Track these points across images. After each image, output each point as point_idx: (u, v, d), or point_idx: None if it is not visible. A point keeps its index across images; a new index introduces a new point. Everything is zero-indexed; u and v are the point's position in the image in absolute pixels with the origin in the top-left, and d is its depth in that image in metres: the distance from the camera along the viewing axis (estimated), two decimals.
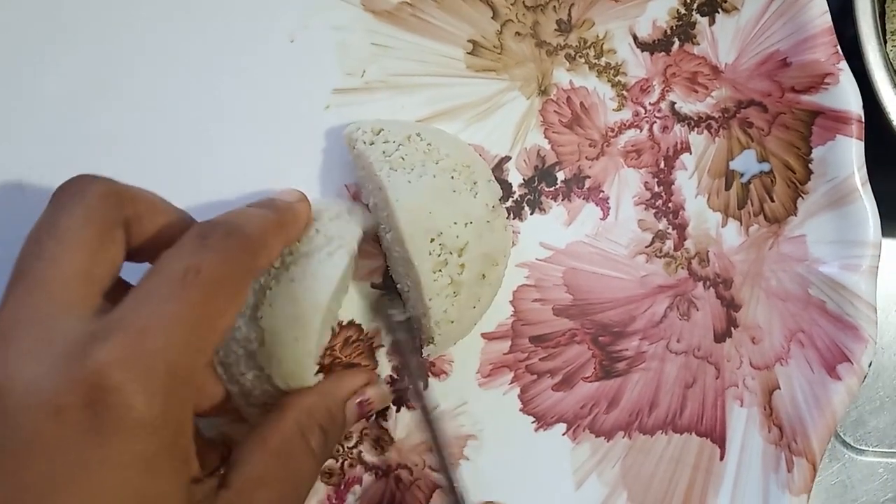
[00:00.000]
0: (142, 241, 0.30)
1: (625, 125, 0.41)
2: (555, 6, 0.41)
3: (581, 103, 0.41)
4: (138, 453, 0.24)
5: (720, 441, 0.41)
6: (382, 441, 0.40)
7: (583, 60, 0.41)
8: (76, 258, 0.27)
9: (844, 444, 0.49)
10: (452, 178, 0.37)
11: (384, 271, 0.39)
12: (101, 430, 0.24)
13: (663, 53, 0.41)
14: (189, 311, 0.26)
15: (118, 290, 0.27)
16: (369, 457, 0.40)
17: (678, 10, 0.41)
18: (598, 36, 0.41)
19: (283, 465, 0.31)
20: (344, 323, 0.39)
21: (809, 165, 0.40)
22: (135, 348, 0.25)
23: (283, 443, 0.31)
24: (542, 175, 0.41)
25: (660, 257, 0.42)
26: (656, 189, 0.42)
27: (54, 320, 0.25)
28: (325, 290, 0.34)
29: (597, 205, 0.41)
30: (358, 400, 0.36)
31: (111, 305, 0.26)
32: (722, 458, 0.40)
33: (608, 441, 0.41)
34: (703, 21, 0.41)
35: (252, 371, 0.34)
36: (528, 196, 0.41)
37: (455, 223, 0.36)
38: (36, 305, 0.25)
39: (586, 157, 0.41)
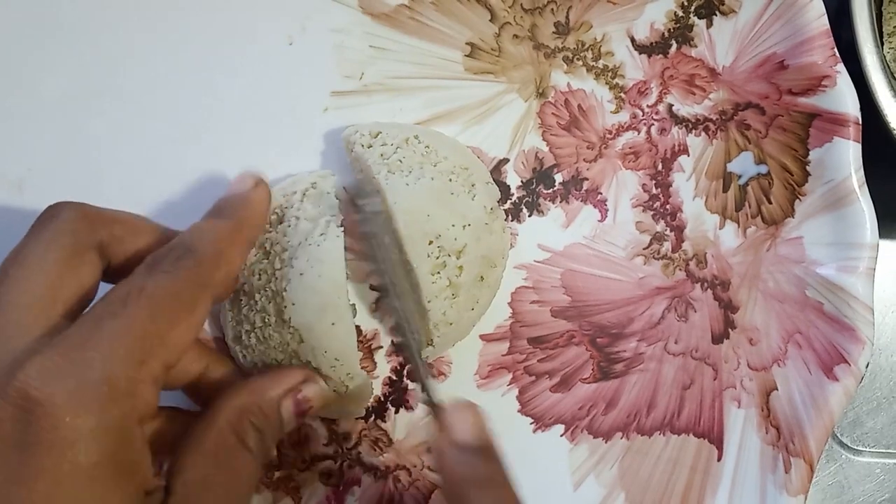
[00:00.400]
0: (122, 261, 0.30)
1: (623, 127, 0.42)
2: (553, 9, 0.41)
3: (579, 106, 0.41)
4: (74, 465, 0.24)
5: (718, 442, 0.41)
6: (381, 442, 0.40)
7: (580, 63, 0.41)
8: (38, 281, 0.27)
9: (842, 444, 0.49)
10: (451, 180, 0.37)
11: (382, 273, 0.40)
12: (32, 443, 0.24)
13: (661, 56, 0.42)
14: (130, 326, 0.26)
15: None
16: (368, 458, 0.40)
17: (676, 12, 0.41)
18: (595, 38, 0.41)
19: (221, 466, 0.30)
20: None
21: (807, 167, 0.40)
22: (66, 361, 0.25)
23: (217, 444, 0.31)
24: (540, 177, 0.41)
25: (658, 259, 0.42)
26: (654, 191, 0.42)
27: (7, 342, 0.26)
28: (338, 268, 0.34)
29: (595, 207, 0.42)
30: (294, 398, 0.34)
31: None
32: (719, 458, 0.41)
33: (606, 442, 0.41)
34: (700, 23, 0.41)
35: None
36: (527, 198, 0.41)
37: (453, 225, 0.36)
38: None
39: (584, 160, 0.41)
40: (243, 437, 0.31)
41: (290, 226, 0.35)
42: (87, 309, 0.28)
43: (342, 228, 0.35)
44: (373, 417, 0.40)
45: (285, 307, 0.34)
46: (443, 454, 0.31)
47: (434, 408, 0.33)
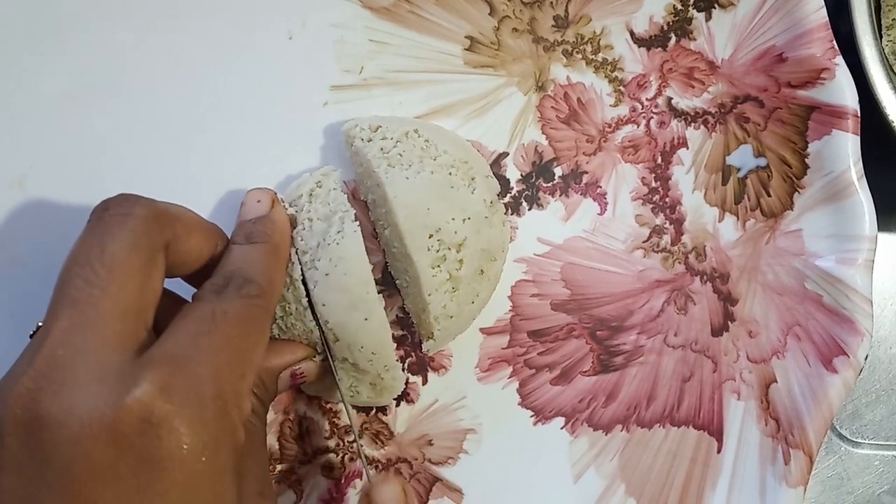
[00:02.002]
0: (178, 259, 0.30)
1: (622, 121, 0.42)
2: (552, 2, 0.41)
3: (578, 99, 0.41)
4: (199, 477, 0.25)
5: (717, 434, 0.41)
6: (382, 435, 0.40)
7: (580, 56, 0.41)
8: (127, 290, 0.27)
9: (841, 436, 0.49)
10: (450, 174, 0.37)
11: (383, 267, 0.40)
12: (158, 458, 0.24)
13: (660, 49, 0.42)
14: (227, 343, 0.27)
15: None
16: (369, 451, 0.40)
17: (675, 5, 0.41)
18: (594, 32, 0.41)
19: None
20: None
21: (806, 160, 0.40)
22: (180, 378, 0.25)
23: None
24: (539, 171, 0.41)
25: (657, 252, 0.42)
26: (653, 184, 0.42)
27: (106, 354, 0.25)
28: (361, 263, 0.35)
29: (594, 200, 0.42)
30: (292, 371, 0.36)
31: (155, 336, 0.27)
32: (719, 450, 0.41)
33: (606, 434, 0.41)
34: (699, 16, 0.41)
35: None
36: (526, 192, 0.41)
37: (453, 219, 0.36)
38: (89, 338, 0.26)
39: (584, 153, 0.42)
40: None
41: (304, 228, 0.36)
42: (171, 324, 0.28)
43: (357, 223, 0.35)
44: (374, 411, 0.40)
45: (315, 309, 0.35)
46: None
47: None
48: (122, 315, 0.26)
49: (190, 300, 0.30)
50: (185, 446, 0.25)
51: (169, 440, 0.24)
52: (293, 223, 0.36)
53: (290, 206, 0.36)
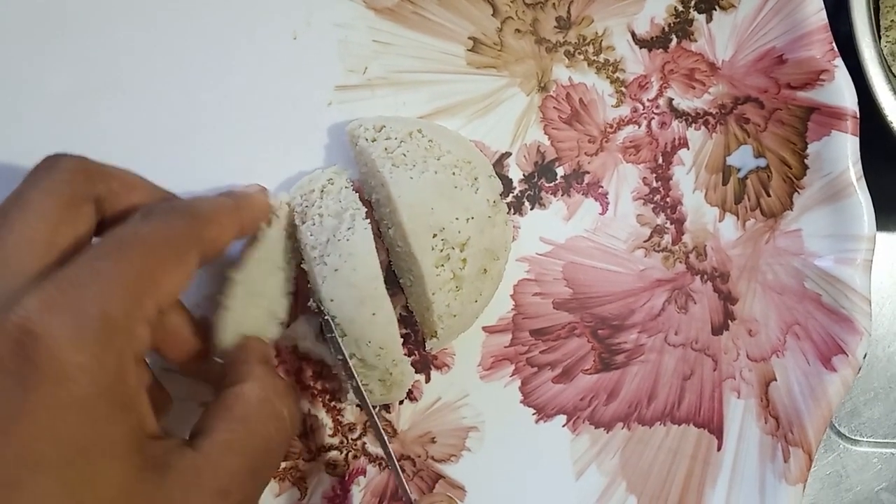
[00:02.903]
0: (116, 216, 0.31)
1: (623, 121, 0.42)
2: (554, 3, 0.41)
3: (580, 100, 0.42)
4: (73, 397, 0.25)
5: (718, 432, 0.41)
6: (386, 433, 0.40)
7: (582, 57, 0.42)
8: (36, 227, 0.28)
9: (839, 434, 0.49)
10: (454, 174, 0.37)
11: (387, 266, 0.40)
12: (32, 376, 0.24)
13: (661, 50, 0.42)
14: (124, 266, 0.27)
15: None
16: (373, 448, 0.41)
17: (676, 7, 0.42)
18: (596, 33, 0.42)
19: (250, 431, 0.30)
20: None
21: (805, 161, 0.40)
22: (64, 297, 0.25)
23: (248, 410, 0.31)
24: (541, 171, 0.42)
25: (658, 251, 0.42)
26: (654, 184, 0.42)
27: (3, 280, 0.26)
28: (371, 260, 0.35)
29: (596, 200, 0.42)
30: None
31: None
32: (719, 448, 0.41)
33: (607, 432, 0.41)
34: (700, 18, 0.42)
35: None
36: (529, 191, 0.42)
37: (457, 219, 0.36)
38: None
39: (585, 153, 0.42)
40: (275, 402, 0.32)
41: (314, 224, 0.36)
42: (87, 247, 0.28)
43: (368, 220, 0.36)
44: (377, 408, 0.40)
45: (322, 304, 0.35)
46: None
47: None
48: (26, 247, 0.27)
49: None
50: (62, 365, 0.24)
51: (45, 357, 0.24)
52: (303, 218, 0.37)
53: (301, 198, 0.37)
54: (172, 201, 0.31)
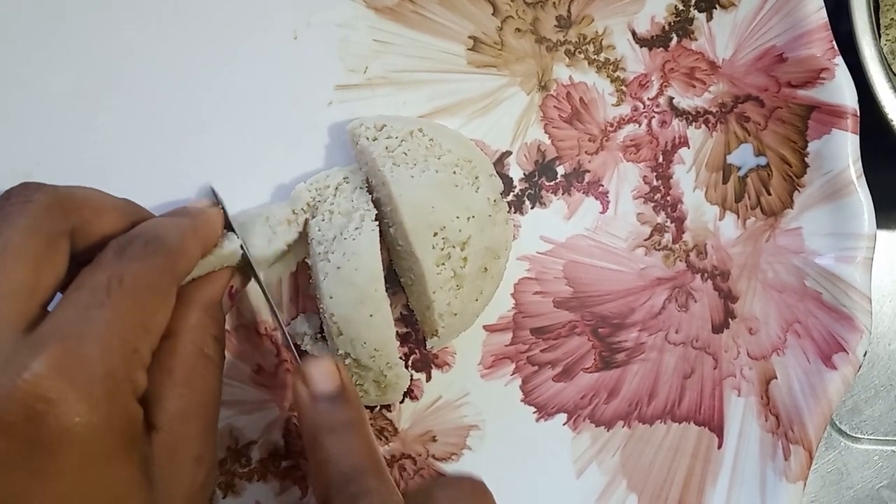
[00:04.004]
0: (88, 245, 0.30)
1: (624, 120, 0.42)
2: (554, 2, 0.41)
3: (581, 98, 0.42)
4: (92, 456, 0.25)
5: (718, 430, 0.41)
6: (386, 432, 0.41)
7: (582, 56, 0.42)
8: (20, 271, 0.27)
9: (840, 432, 0.49)
10: (454, 172, 0.37)
11: (388, 265, 0.40)
12: (48, 442, 0.24)
13: (661, 49, 0.42)
14: (119, 316, 0.27)
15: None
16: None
17: (676, 6, 0.42)
18: (597, 32, 0.42)
19: (196, 390, 0.31)
20: None
21: (805, 159, 0.40)
22: (70, 356, 0.25)
23: (189, 369, 0.31)
24: (542, 169, 0.42)
25: (658, 250, 0.42)
26: (655, 183, 0.42)
27: None
28: (374, 261, 0.35)
29: (596, 199, 0.42)
30: (229, 292, 0.36)
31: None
32: (720, 446, 0.41)
33: (608, 431, 0.42)
34: (700, 17, 0.42)
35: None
36: (529, 190, 0.42)
37: (457, 217, 0.37)
38: None
39: (586, 152, 0.42)
40: (208, 352, 0.32)
41: (323, 219, 0.36)
42: (64, 296, 0.28)
43: (377, 222, 0.36)
44: (378, 407, 0.41)
45: (321, 301, 0.36)
46: (300, 404, 0.34)
47: (297, 363, 0.35)
48: (12, 295, 0.26)
49: None
50: (75, 428, 0.25)
51: (59, 423, 0.24)
52: (313, 213, 0.37)
53: (316, 192, 0.37)
54: (144, 233, 0.30)
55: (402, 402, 0.40)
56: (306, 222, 0.37)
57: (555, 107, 0.42)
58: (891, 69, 0.42)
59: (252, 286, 0.38)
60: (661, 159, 0.42)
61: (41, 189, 0.29)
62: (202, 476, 0.31)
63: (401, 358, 0.38)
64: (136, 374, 0.27)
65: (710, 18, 0.42)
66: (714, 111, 0.42)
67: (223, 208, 0.36)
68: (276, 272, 0.39)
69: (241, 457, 0.40)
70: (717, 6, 0.41)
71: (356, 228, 0.36)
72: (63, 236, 0.29)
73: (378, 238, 0.36)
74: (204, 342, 0.32)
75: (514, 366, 0.41)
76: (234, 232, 0.35)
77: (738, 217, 0.42)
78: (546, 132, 0.42)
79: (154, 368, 0.30)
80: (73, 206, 0.30)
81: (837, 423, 0.49)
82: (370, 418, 0.40)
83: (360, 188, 0.37)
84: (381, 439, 0.41)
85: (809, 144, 0.40)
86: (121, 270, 0.28)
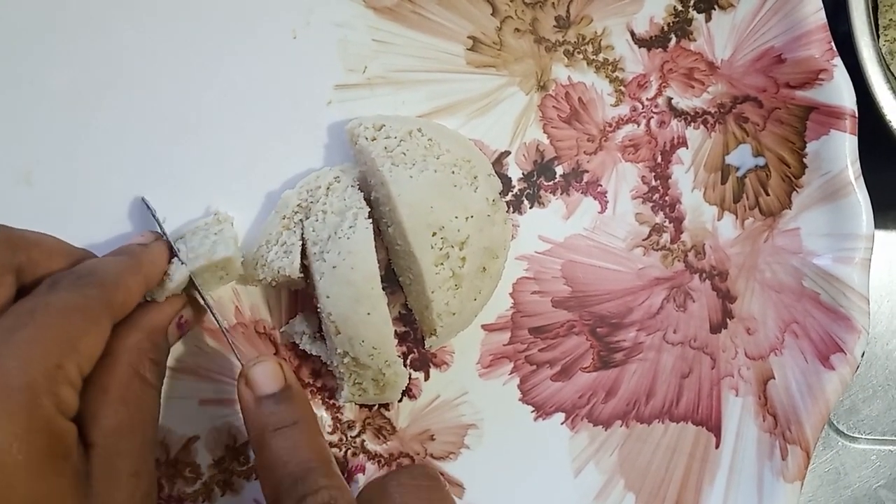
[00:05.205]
0: (34, 283, 0.31)
1: (622, 120, 0.42)
2: (553, 3, 0.41)
3: (579, 99, 0.42)
4: (12, 467, 0.26)
5: (716, 429, 0.41)
6: (385, 430, 0.41)
7: (581, 56, 0.42)
8: None
9: (838, 431, 0.49)
10: (453, 172, 0.37)
11: (386, 264, 0.40)
12: None
13: (660, 49, 0.42)
14: (41, 334, 0.28)
15: None
16: (372, 446, 0.41)
17: (675, 6, 0.42)
18: (596, 32, 0.42)
19: (131, 408, 0.32)
20: None
21: (804, 160, 0.41)
22: None
23: (123, 388, 0.32)
24: (541, 169, 0.42)
25: (657, 250, 0.42)
26: (653, 183, 0.42)
27: None
28: (369, 259, 0.36)
29: (595, 199, 0.42)
30: (177, 322, 0.36)
31: None
32: (717, 446, 0.41)
33: (606, 430, 0.42)
34: (699, 18, 0.42)
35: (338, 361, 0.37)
36: (528, 190, 0.42)
37: (456, 217, 0.37)
38: None
39: (584, 152, 0.42)
40: (144, 374, 0.33)
41: (317, 220, 0.36)
42: None
43: (370, 220, 0.36)
44: (377, 406, 0.41)
45: (318, 300, 0.36)
46: (244, 407, 0.34)
47: (242, 366, 0.35)
48: None
49: None
50: None
51: None
52: (306, 214, 0.37)
53: (307, 193, 0.37)
54: (78, 269, 0.32)
55: (400, 400, 0.41)
56: (300, 223, 0.37)
57: (553, 107, 0.42)
58: (889, 70, 0.42)
59: (251, 290, 0.39)
60: (659, 159, 0.42)
61: None
62: (141, 491, 0.31)
63: (399, 357, 0.38)
64: (61, 388, 0.28)
65: (708, 19, 0.42)
66: (713, 112, 0.42)
67: (158, 223, 0.37)
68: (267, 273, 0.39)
69: (239, 455, 0.40)
70: (715, 7, 0.41)
71: (350, 227, 0.36)
72: (8, 271, 0.30)
73: (372, 235, 0.36)
74: (140, 363, 0.33)
75: (512, 365, 0.41)
76: (179, 257, 0.36)
77: (737, 217, 0.42)
78: (545, 132, 0.42)
79: (89, 387, 0.30)
80: (23, 245, 0.31)
81: (835, 422, 0.49)
82: (368, 417, 0.41)
83: (352, 186, 0.37)
84: (379, 438, 0.41)
85: (808, 145, 0.40)
86: (49, 298, 0.29)
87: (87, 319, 0.30)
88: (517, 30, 0.41)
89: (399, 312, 0.41)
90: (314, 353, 0.39)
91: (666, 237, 0.42)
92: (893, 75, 0.45)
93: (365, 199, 0.37)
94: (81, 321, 0.29)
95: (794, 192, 0.41)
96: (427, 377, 0.41)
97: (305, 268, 0.38)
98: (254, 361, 0.35)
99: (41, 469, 0.27)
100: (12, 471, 0.26)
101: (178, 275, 0.35)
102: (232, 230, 0.38)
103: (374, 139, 0.37)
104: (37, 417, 0.27)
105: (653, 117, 0.42)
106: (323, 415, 0.40)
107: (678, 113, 0.42)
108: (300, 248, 0.37)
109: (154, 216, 0.37)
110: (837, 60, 0.39)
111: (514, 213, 0.42)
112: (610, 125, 0.42)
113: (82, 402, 0.30)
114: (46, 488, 0.27)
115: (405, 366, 0.41)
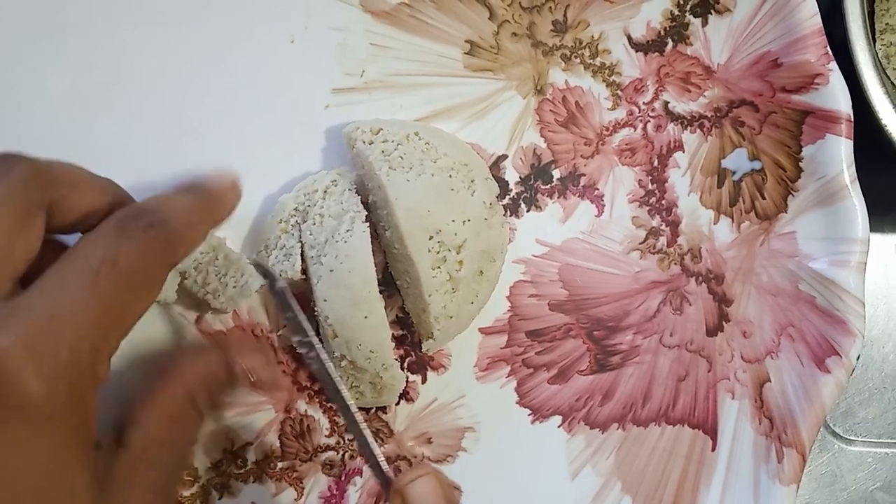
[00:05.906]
0: (67, 221, 0.30)
1: (619, 124, 0.42)
2: (550, 7, 0.41)
3: (576, 102, 0.42)
4: (44, 437, 0.25)
5: (712, 432, 0.41)
6: (382, 433, 0.41)
7: (578, 60, 0.42)
8: None
9: (834, 434, 0.49)
10: (450, 176, 0.37)
11: (383, 268, 0.40)
12: (2, 419, 0.24)
13: (657, 54, 0.42)
14: (99, 302, 0.26)
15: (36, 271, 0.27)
16: None
17: (672, 11, 0.42)
18: (593, 36, 0.42)
19: (174, 428, 0.31)
20: None
21: (800, 164, 0.41)
22: (39, 334, 0.25)
23: (176, 407, 0.32)
24: (538, 173, 0.42)
25: (653, 253, 0.42)
26: (650, 187, 0.42)
27: None
28: (367, 263, 0.36)
29: (592, 202, 0.42)
30: (251, 380, 0.35)
31: (22, 290, 0.26)
32: (714, 449, 0.41)
33: (603, 433, 0.42)
34: (696, 22, 0.42)
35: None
36: (525, 194, 0.42)
37: (453, 221, 0.37)
38: None
39: (581, 156, 0.42)
40: (198, 403, 0.32)
41: (315, 223, 0.36)
42: (56, 264, 0.27)
43: (368, 224, 0.36)
44: (374, 409, 0.41)
45: (315, 303, 0.36)
46: None
47: (388, 481, 0.33)
48: None
49: None
50: (30, 403, 0.24)
51: (15, 396, 0.24)
52: (304, 217, 0.37)
53: (304, 197, 0.37)
54: (149, 214, 0.29)
55: (397, 403, 0.41)
56: (298, 226, 0.37)
57: (551, 111, 0.42)
58: (885, 74, 0.42)
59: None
60: (656, 163, 0.42)
61: (20, 161, 0.28)
62: None
63: (396, 360, 0.38)
64: (99, 364, 0.27)
65: (705, 23, 0.42)
66: (709, 116, 0.42)
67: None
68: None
69: (236, 458, 0.40)
70: (712, 11, 0.42)
71: (347, 231, 0.36)
72: (39, 210, 0.28)
73: (369, 239, 0.36)
74: (199, 392, 0.32)
75: (509, 368, 0.41)
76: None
77: (733, 221, 0.42)
78: (542, 136, 0.42)
79: (145, 398, 0.31)
80: (52, 181, 0.29)
81: (831, 425, 0.49)
82: (364, 420, 0.41)
83: (349, 190, 0.38)
84: (376, 441, 0.41)
85: (804, 149, 0.40)
86: (116, 252, 0.27)
87: (146, 286, 0.28)
88: (514, 34, 0.41)
89: (396, 316, 0.41)
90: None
91: (662, 241, 0.42)
92: (889, 79, 0.45)
93: (362, 203, 0.38)
94: (140, 289, 0.28)
95: (790, 196, 0.41)
96: (424, 380, 0.41)
97: (305, 270, 0.38)
98: (411, 476, 0.31)
99: (67, 444, 0.26)
100: (41, 443, 0.25)
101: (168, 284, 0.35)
102: (241, 259, 0.37)
103: (371, 143, 0.37)
104: (75, 393, 0.26)
105: (649, 121, 0.42)
106: (320, 418, 0.40)
107: (675, 117, 0.42)
108: (300, 250, 0.37)
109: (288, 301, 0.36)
110: (833, 65, 0.39)
111: (511, 216, 0.42)
112: (607, 129, 0.42)
113: (129, 404, 0.30)
114: (66, 467, 0.26)
115: (402, 369, 0.41)
